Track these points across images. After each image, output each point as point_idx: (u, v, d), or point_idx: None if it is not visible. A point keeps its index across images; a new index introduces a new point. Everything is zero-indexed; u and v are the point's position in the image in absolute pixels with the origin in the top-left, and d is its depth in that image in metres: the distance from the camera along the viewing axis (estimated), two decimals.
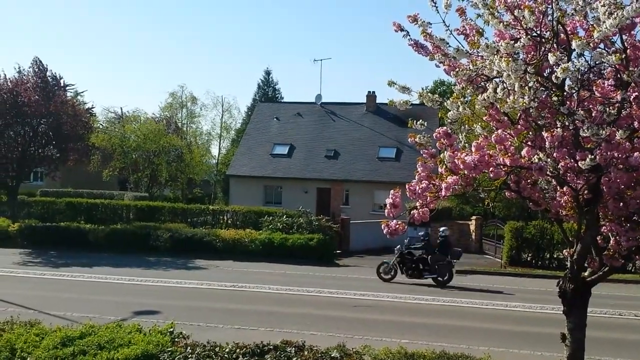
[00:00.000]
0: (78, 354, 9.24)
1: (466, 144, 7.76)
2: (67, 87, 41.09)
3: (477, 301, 19.23)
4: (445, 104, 7.59)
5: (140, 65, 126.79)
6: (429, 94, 7.63)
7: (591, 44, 6.55)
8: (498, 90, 6.98)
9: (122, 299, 17.81)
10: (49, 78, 37.41)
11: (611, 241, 8.14)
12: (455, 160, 7.17)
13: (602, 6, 6.19)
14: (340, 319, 15.96)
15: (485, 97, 7.04)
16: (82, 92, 65.65)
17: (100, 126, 57.17)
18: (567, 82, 7.09)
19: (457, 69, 7.51)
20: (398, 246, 23.72)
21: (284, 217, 31.70)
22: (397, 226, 7.75)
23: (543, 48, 7.09)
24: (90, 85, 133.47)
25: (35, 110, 35.44)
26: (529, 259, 29.68)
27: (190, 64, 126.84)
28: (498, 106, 7.22)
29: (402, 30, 7.84)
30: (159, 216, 34.47)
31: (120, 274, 22.42)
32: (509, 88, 6.92)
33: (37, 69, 37.14)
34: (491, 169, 7.11)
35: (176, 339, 10.21)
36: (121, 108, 65.63)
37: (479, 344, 13.22)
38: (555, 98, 6.96)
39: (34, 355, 9.25)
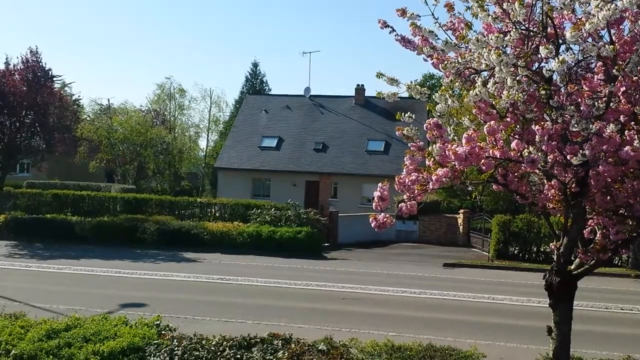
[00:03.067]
0: (63, 347, 9.19)
1: (455, 137, 7.76)
2: (55, 79, 40.82)
3: (464, 294, 19.27)
4: (433, 96, 7.59)
5: (128, 58, 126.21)
6: (417, 86, 7.63)
7: (582, 37, 6.57)
8: (489, 85, 6.98)
9: (108, 291, 17.73)
10: (36, 70, 37.18)
11: (598, 234, 8.17)
12: (447, 151, 7.16)
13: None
14: (328, 312, 15.97)
15: (477, 93, 7.03)
16: (69, 84, 65.33)
17: (88, 118, 56.89)
18: (555, 75, 7.10)
19: (445, 62, 7.51)
20: None
21: (272, 209, 31.64)
22: (385, 219, 7.74)
23: (531, 42, 7.10)
24: (78, 77, 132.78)
25: (22, 101, 35.22)
26: (516, 252, 29.80)
27: (179, 56, 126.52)
28: (493, 102, 7.23)
29: (387, 27, 7.85)
30: (146, 208, 34.28)
31: (107, 267, 22.32)
32: (499, 82, 6.92)
33: (32, 59, 36.86)
34: (482, 160, 7.10)
35: (163, 332, 10.18)
36: (108, 100, 65.37)
37: (465, 336, 13.27)
38: (542, 92, 6.96)
39: (18, 348, 9.18)
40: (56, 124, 36.80)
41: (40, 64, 37.35)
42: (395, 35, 7.91)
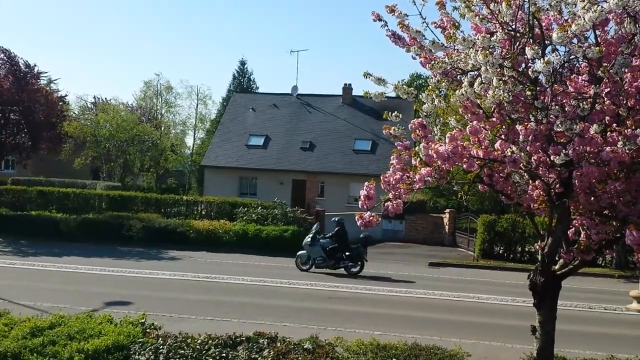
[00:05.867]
0: (47, 345, 9.15)
1: (441, 137, 7.80)
2: (41, 75, 40.57)
3: (449, 293, 19.35)
4: (420, 96, 7.62)
5: (115, 54, 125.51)
6: (405, 86, 7.66)
7: (568, 37, 6.60)
8: (475, 85, 7.01)
9: (93, 289, 17.64)
10: (21, 66, 36.99)
11: (582, 235, 8.22)
12: (429, 151, 7.20)
13: (580, 1, 6.25)
14: (314, 311, 15.97)
15: (463, 93, 7.06)
16: (55, 80, 64.75)
17: (74, 114, 56.60)
18: (541, 76, 7.15)
19: (433, 62, 7.54)
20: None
21: (259, 208, 31.63)
22: (371, 218, 7.76)
23: (518, 42, 7.14)
24: (65, 74, 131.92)
25: (7, 97, 35.00)
26: (501, 252, 29.99)
27: (166, 53, 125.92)
28: (478, 101, 7.27)
29: (380, 20, 7.87)
30: (131, 206, 34.19)
31: (92, 264, 22.22)
32: (485, 82, 6.95)
33: (6, 58, 36.70)
34: (464, 160, 7.14)
35: (148, 330, 10.15)
36: (94, 96, 65.04)
37: (450, 335, 13.31)
38: (528, 92, 7.01)
39: (2, 345, 9.13)
40: (42, 121, 36.60)
41: (24, 60, 37.21)
42: (387, 30, 7.93)
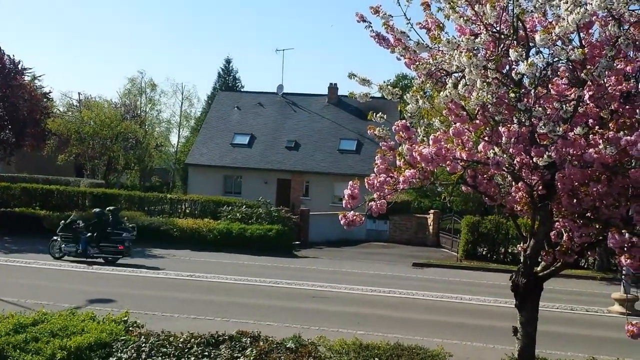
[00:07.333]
0: (30, 341, 9.13)
1: (425, 138, 7.82)
2: (25, 71, 40.30)
3: (432, 294, 19.43)
4: (405, 97, 7.65)
5: (99, 51, 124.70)
6: (389, 86, 7.68)
7: (552, 40, 6.65)
8: (459, 86, 7.05)
9: (76, 286, 17.57)
10: (6, 62, 36.75)
11: (564, 237, 8.29)
12: (413, 152, 7.23)
13: (564, 2, 6.29)
14: (297, 310, 15.99)
15: (447, 95, 7.10)
16: (39, 76, 64.19)
17: (58, 111, 56.22)
18: (525, 78, 7.20)
19: (418, 63, 7.57)
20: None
21: (243, 207, 31.55)
22: (354, 217, 7.78)
23: (502, 44, 7.18)
24: (48, 70, 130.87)
25: None
26: (484, 253, 30.12)
27: (150, 50, 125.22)
28: (462, 103, 7.31)
29: (364, 21, 7.89)
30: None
31: (75, 262, 22.09)
32: (469, 84, 6.99)
33: None
34: (448, 162, 7.18)
35: (130, 328, 10.14)
36: (79, 93, 64.62)
37: (433, 335, 13.36)
38: (512, 94, 7.05)
39: None
40: (26, 117, 36.40)
41: (8, 56, 36.97)
42: (371, 31, 7.96)
